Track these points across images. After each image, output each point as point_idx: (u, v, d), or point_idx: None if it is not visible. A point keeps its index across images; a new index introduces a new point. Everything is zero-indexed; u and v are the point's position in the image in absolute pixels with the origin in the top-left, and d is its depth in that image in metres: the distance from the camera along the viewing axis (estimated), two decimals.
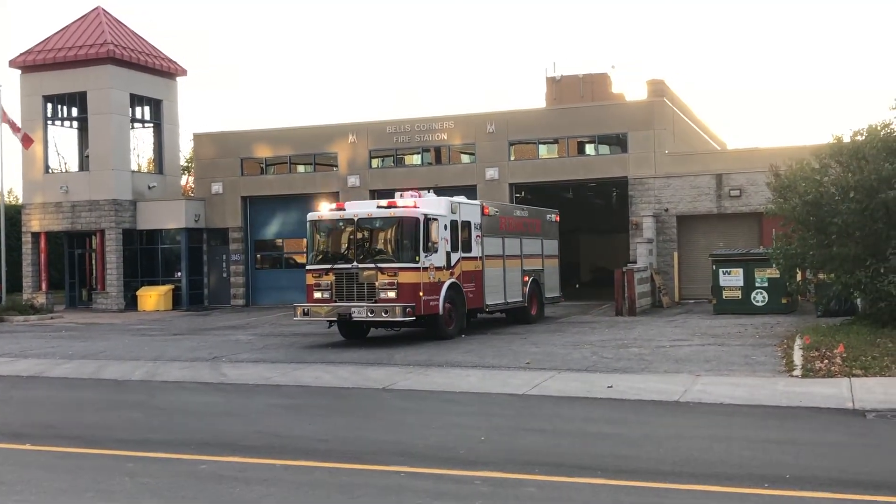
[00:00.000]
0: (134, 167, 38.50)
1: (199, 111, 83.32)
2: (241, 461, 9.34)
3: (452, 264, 20.61)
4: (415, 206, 19.79)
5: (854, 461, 8.86)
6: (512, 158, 32.68)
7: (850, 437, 10.08)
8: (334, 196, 34.00)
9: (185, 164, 49.26)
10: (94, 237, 36.27)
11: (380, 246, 19.80)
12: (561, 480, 8.25)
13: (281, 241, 36.40)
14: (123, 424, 11.78)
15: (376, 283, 19.24)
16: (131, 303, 35.18)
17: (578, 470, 8.60)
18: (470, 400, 12.94)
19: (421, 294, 19.32)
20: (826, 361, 14.17)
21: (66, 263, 37.30)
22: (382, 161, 34.77)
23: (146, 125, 38.23)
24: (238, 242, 35.68)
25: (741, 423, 10.83)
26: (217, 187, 35.94)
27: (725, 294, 24.94)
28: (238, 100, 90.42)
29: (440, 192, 32.58)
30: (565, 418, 11.47)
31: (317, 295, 19.82)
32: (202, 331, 25.32)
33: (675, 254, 30.14)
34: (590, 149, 32.61)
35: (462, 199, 22.21)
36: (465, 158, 33.74)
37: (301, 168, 36.03)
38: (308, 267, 20.30)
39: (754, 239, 29.16)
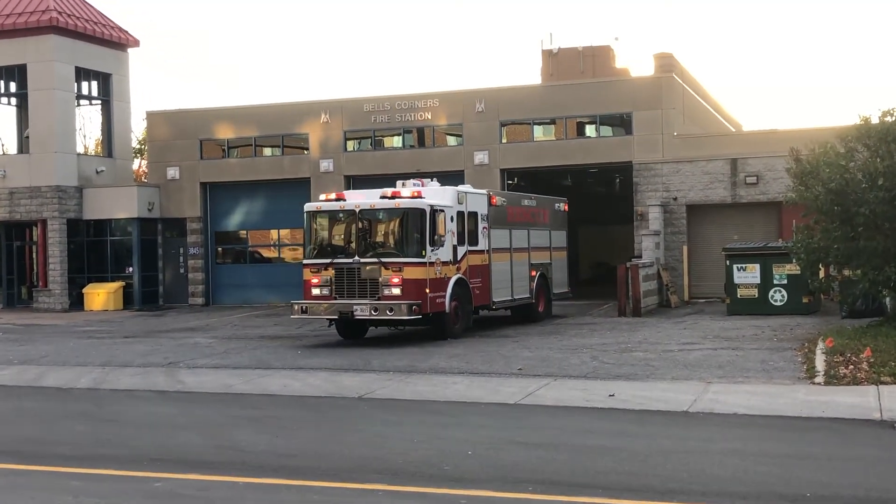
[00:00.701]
0: (80, 149, 38.33)
1: (154, 87, 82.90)
2: (199, 479, 9.31)
3: (459, 258, 21.29)
4: (420, 197, 20.38)
5: (882, 478, 8.91)
6: (503, 141, 32.70)
7: (877, 450, 10.14)
8: (304, 183, 33.98)
9: (138, 146, 48.99)
10: (34, 228, 36.06)
11: (383, 239, 20.53)
12: (556, 500, 8.27)
13: (245, 232, 36.33)
14: (67, 437, 11.72)
15: (380, 279, 19.83)
16: (77, 302, 35.02)
17: (576, 488, 8.62)
18: (456, 410, 12.95)
19: (427, 291, 19.94)
20: (851, 367, 14.25)
21: (4, 258, 37.09)
22: (359, 143, 34.72)
23: (94, 102, 38.01)
24: (197, 234, 35.56)
25: (757, 435, 10.88)
26: (173, 172, 35.80)
27: (740, 292, 25.05)
28: (197, 74, 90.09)
29: (424, 178, 32.72)
30: (562, 430, 11.48)
31: (315, 291, 20.36)
32: (156, 333, 25.25)
33: (685, 247, 30.24)
34: (590, 130, 32.64)
35: (468, 187, 22.99)
36: (452, 141, 33.72)
37: (267, 151, 35.91)
38: (305, 261, 20.87)
39: (772, 231, 29.29)
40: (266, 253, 36.52)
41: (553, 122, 32.79)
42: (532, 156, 32.43)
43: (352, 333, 21.51)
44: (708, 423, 11.58)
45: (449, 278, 20.73)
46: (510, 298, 23.68)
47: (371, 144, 34.36)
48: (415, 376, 15.82)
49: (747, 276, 25.01)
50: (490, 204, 22.89)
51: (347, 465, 9.80)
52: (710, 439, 10.70)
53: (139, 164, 49.90)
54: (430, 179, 22.83)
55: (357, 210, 20.31)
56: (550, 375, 15.31)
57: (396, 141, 34.38)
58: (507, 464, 9.65)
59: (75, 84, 36.03)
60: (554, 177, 35.60)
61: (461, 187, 22.57)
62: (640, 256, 28.95)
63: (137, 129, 49.55)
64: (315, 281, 20.39)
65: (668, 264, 29.96)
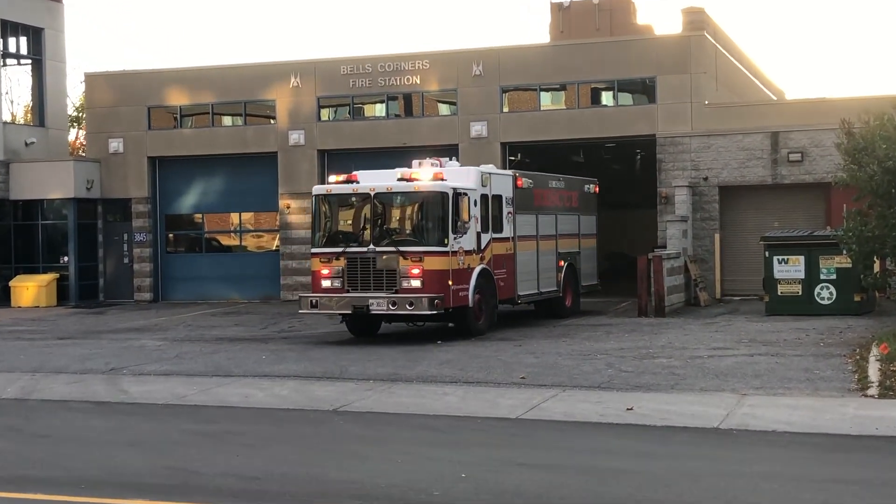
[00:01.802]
0: (6, 117, 38.14)
1: (94, 45, 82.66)
2: None
3: (483, 247, 22.09)
4: (442, 179, 21.02)
5: None
6: (505, 110, 32.68)
7: None
8: (270, 158, 33.93)
9: (75, 113, 48.86)
10: None
11: (400, 225, 21.47)
12: None
13: (201, 216, 36.27)
14: None
15: (398, 270, 20.55)
16: (2, 297, 34.93)
17: None
18: (447, 425, 12.97)
19: (450, 283, 20.70)
20: None
21: None
22: (335, 112, 34.68)
23: (22, 62, 37.86)
24: (144, 218, 35.50)
25: (799, 456, 10.91)
26: (116, 145, 35.71)
27: (781, 289, 25.09)
28: (145, 30, 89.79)
29: (411, 153, 32.73)
30: (571, 449, 11.51)
31: (325, 284, 21.12)
32: (96, 333, 25.21)
33: (717, 236, 30.28)
34: (607, 98, 32.64)
35: (491, 168, 23.93)
36: (444, 109, 33.69)
37: (227, 120, 35.84)
38: (314, 250, 21.68)
39: (819, 217, 29.34)
40: (225, 240, 36.48)
41: (563, 88, 32.75)
42: (538, 128, 32.42)
43: (364, 330, 22.24)
44: (742, 441, 11.61)
45: (472, 269, 21.54)
46: (536, 291, 24.62)
47: (349, 113, 34.31)
48: (399, 386, 15.83)
49: (789, 269, 25.05)
50: (515, 186, 23.72)
51: (319, 489, 9.80)
52: (744, 461, 10.73)
53: (76, 135, 49.77)
54: (448, 158, 23.63)
55: (372, 193, 21.00)
56: (558, 385, 15.32)
57: (379, 109, 34.33)
58: (508, 489, 9.66)
59: (0, 40, 35.85)
60: (564, 152, 35.58)
61: (484, 168, 23.41)
62: (664, 246, 28.96)
63: (74, 93, 49.47)
64: (325, 272, 21.07)
65: (697, 255, 29.99)
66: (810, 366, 16.51)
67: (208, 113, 35.54)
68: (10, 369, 18.78)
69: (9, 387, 16.81)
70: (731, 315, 25.58)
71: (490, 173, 22.99)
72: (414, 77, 33.18)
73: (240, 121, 35.42)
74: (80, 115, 48.21)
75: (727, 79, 34.64)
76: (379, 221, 21.06)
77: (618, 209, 40.68)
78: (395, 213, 21.51)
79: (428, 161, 22.77)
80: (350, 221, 21.58)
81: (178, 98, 35.53)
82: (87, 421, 13.98)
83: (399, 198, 21.33)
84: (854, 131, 20.11)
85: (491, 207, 22.57)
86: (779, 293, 25.11)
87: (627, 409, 13.31)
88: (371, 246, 20.81)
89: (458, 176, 21.78)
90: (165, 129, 35.82)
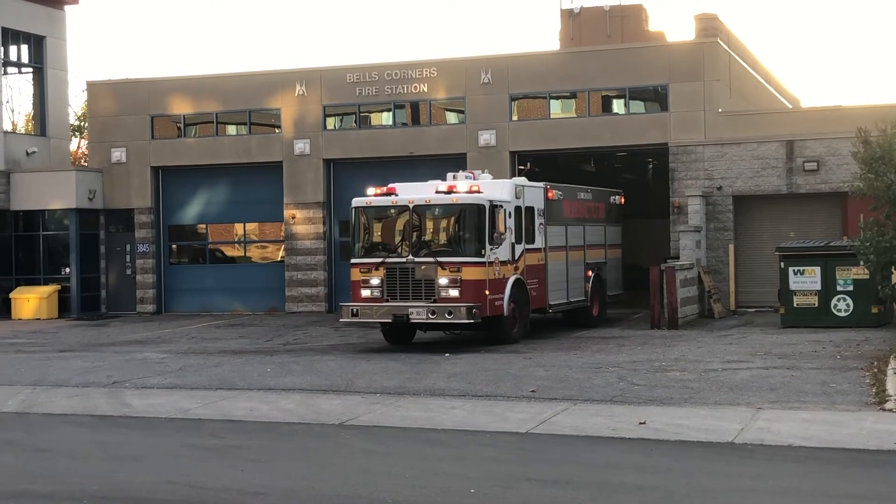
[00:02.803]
0: (7, 126, 38.28)
1: (97, 53, 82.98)
2: None
3: (516, 258, 23.36)
4: (478, 191, 22.28)
5: None
6: (514, 118, 32.71)
7: None
8: (274, 167, 34.00)
9: (77, 122, 49.02)
10: None
11: (438, 237, 22.81)
12: None
13: (204, 226, 36.34)
14: None
15: (436, 280, 21.80)
16: (3, 309, 35.00)
17: None
18: (455, 440, 12.97)
19: (487, 293, 21.94)
20: None
21: None
22: (341, 121, 34.74)
23: (24, 70, 37.97)
24: (146, 228, 35.58)
25: (815, 471, 10.88)
26: (119, 154, 35.81)
27: (797, 301, 25.06)
28: (149, 38, 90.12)
29: (419, 162, 32.81)
30: (583, 464, 11.50)
31: (365, 293, 22.40)
32: (98, 346, 25.27)
33: (731, 246, 30.27)
34: (618, 106, 32.65)
35: (523, 180, 25.17)
36: (452, 118, 33.73)
37: (231, 129, 35.92)
38: (354, 260, 22.91)
39: (836, 227, 29.31)
40: (229, 251, 36.54)
41: (573, 95, 32.78)
42: (548, 136, 32.44)
43: (400, 338, 23.46)
44: (757, 456, 11.58)
45: (507, 279, 22.77)
46: (566, 301, 25.86)
47: (355, 122, 34.37)
48: (407, 399, 15.83)
49: (805, 280, 25.02)
50: (546, 198, 25.05)
51: None
52: (759, 476, 10.71)
53: (78, 145, 49.90)
54: (481, 171, 24.84)
55: (411, 205, 22.29)
56: (569, 399, 15.32)
57: (386, 118, 34.39)
58: None
59: (1, 48, 36.00)
60: (574, 161, 35.60)
61: (517, 180, 24.92)
62: (677, 257, 28.95)
63: (76, 102, 49.65)
64: (365, 282, 22.25)
65: (711, 266, 29.97)
66: (827, 379, 16.48)
67: (212, 122, 35.62)
68: (11, 382, 18.81)
69: (9, 400, 16.84)
70: (745, 327, 25.55)
71: (523, 186, 24.21)
72: (421, 85, 33.25)
73: (244, 130, 35.48)
74: (82, 124, 48.36)
75: (741, 86, 34.64)
76: (417, 232, 22.35)
77: (630, 219, 40.68)
78: (433, 225, 22.83)
79: (462, 174, 23.97)
80: (389, 232, 22.93)
81: (181, 107, 35.63)
82: (89, 435, 14.00)
83: (437, 210, 22.53)
84: (871, 140, 20.10)
85: (524, 219, 23.81)
86: (794, 305, 25.08)
87: (640, 424, 13.29)
88: (410, 256, 22.06)
89: (492, 188, 23.03)
90: (169, 138, 35.91)
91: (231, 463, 11.95)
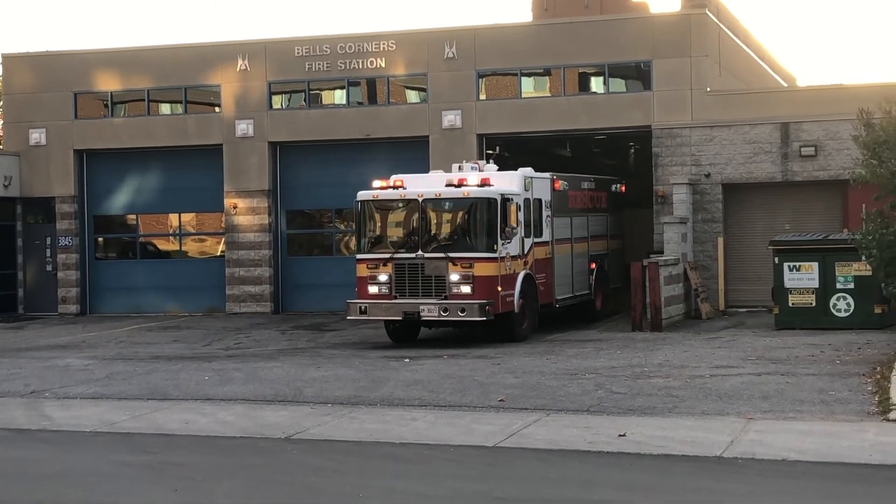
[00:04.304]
0: None
1: (12, 22, 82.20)
2: None
3: (526, 252, 24.70)
4: (489, 184, 23.40)
5: None
6: (482, 97, 32.71)
7: None
8: (214, 151, 33.82)
9: None
10: None
11: (448, 231, 24.03)
12: None
13: (135, 217, 36.13)
14: None
15: (447, 276, 22.99)
16: None
17: None
18: (415, 455, 12.96)
19: (499, 289, 23.12)
20: None
21: None
22: (289, 99, 34.60)
23: None
24: (69, 219, 35.33)
25: (813, 488, 10.95)
26: (38, 136, 35.52)
27: (793, 300, 25.20)
28: (72, 6, 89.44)
29: (376, 145, 32.78)
30: (556, 481, 11.51)
31: (372, 290, 23.54)
32: (14, 351, 25.10)
33: (720, 240, 30.39)
34: (596, 84, 32.73)
35: (530, 171, 25.94)
36: (413, 96, 33.70)
37: (165, 108, 35.71)
38: (360, 256, 24.06)
39: (835, 219, 29.48)
40: (163, 245, 36.34)
41: (547, 73, 32.81)
42: (519, 117, 32.45)
43: (406, 336, 24.58)
44: (748, 471, 11.64)
45: (517, 274, 24.06)
46: (571, 295, 27.25)
47: (305, 101, 34.24)
48: (361, 410, 15.81)
49: (802, 277, 25.16)
50: (553, 189, 26.37)
51: None
52: (750, 494, 10.77)
53: None
54: (486, 161, 26.23)
55: (420, 199, 23.46)
56: (542, 409, 15.34)
57: (339, 96, 34.29)
58: None
59: None
60: (548, 145, 35.64)
61: (524, 171, 25.60)
62: (660, 251, 29.07)
63: None
64: (372, 278, 23.41)
65: (699, 262, 30.11)
66: (825, 386, 16.58)
67: (143, 100, 35.36)
68: None
69: None
70: (736, 329, 25.68)
71: (532, 177, 25.39)
72: (378, 60, 33.17)
73: (179, 109, 35.29)
74: None
75: (732, 63, 34.79)
76: (426, 227, 23.65)
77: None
78: (443, 219, 24.08)
79: (468, 164, 25.25)
80: (397, 227, 24.10)
81: (108, 83, 35.34)
82: (3, 451, 13.87)
83: (447, 203, 23.74)
84: (874, 122, 20.23)
85: (532, 211, 25.12)
86: (790, 304, 25.21)
87: (619, 436, 13.31)
88: (419, 252, 23.28)
89: (501, 180, 24.18)
90: (94, 118, 35.63)
91: (164, 481, 11.89)
